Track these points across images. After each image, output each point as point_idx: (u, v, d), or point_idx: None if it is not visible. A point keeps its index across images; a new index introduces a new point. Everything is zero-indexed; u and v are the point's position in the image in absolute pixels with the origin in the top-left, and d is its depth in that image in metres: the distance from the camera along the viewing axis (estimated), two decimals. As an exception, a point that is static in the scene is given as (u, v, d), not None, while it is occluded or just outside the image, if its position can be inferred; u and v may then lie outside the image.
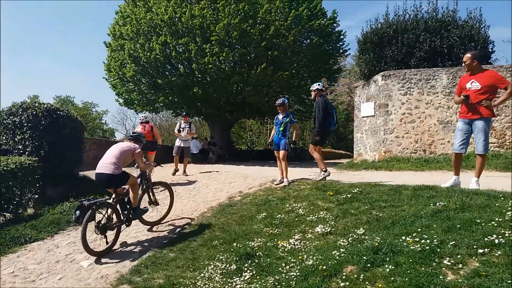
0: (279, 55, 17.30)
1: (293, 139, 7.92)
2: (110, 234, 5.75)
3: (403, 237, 3.65)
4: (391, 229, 4.08)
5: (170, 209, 6.97)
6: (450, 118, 11.07)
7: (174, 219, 6.83)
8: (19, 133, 8.75)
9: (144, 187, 6.56)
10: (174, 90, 17.79)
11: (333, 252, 3.81)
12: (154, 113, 27.53)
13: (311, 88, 7.92)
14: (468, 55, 5.57)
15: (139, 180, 6.46)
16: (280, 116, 7.90)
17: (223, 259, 4.51)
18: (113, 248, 5.70)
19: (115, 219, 5.87)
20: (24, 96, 67.41)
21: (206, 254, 4.92)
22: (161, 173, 11.03)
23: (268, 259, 4.26)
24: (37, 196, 8.40)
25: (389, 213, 4.69)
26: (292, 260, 4.07)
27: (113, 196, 5.93)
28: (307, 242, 4.58)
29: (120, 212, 5.97)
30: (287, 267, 3.93)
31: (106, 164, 5.69)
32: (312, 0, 18.65)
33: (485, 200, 4.22)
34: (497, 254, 2.98)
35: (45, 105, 9.22)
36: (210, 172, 11.17)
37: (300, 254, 4.20)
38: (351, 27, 58.48)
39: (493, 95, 5.42)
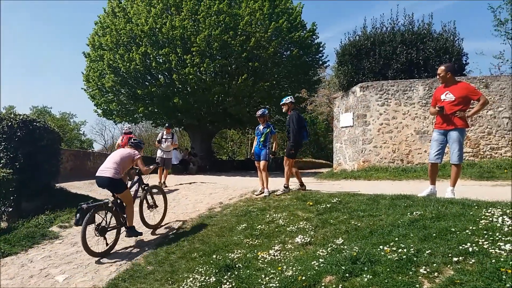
0: (259, 66, 17.45)
1: (273, 149, 7.92)
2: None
3: (381, 247, 3.69)
4: (369, 239, 4.12)
5: (165, 212, 7.25)
6: (426, 128, 11.33)
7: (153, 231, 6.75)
8: (-7, 144, 8.53)
9: (142, 191, 6.86)
10: (154, 100, 17.68)
11: (313, 263, 3.82)
12: (133, 124, 27.23)
13: (282, 101, 7.77)
14: (442, 67, 5.73)
15: (135, 187, 6.68)
16: (261, 127, 7.93)
17: (202, 272, 4.46)
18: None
19: (114, 222, 6.07)
20: (-1, 106, 65.66)
21: (185, 267, 4.85)
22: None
23: (248, 271, 4.24)
24: (11, 209, 8.18)
25: (367, 223, 4.74)
26: (272, 271, 4.05)
27: (111, 199, 6.10)
28: (287, 253, 4.58)
29: (120, 214, 6.13)
30: (267, 278, 3.92)
31: (106, 168, 5.91)
32: (292, 12, 18.95)
33: (459, 209, 4.31)
34: (471, 262, 3.04)
35: (21, 116, 9.03)
36: (190, 183, 11.08)
37: (279, 265, 4.19)
38: (330, 38, 59.60)
39: (466, 106, 5.59)
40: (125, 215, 6.13)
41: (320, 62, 20.90)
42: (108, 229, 5.90)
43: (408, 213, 4.58)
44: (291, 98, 7.80)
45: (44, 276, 5.30)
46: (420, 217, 4.32)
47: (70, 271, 5.36)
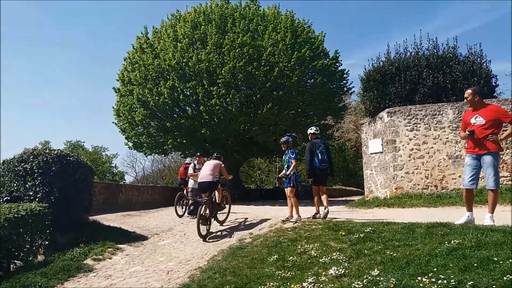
0: (284, 95, 17.63)
1: (283, 174, 8.01)
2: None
3: (419, 278, 3.56)
4: (406, 269, 3.98)
5: (229, 211, 9.50)
6: (459, 152, 11.02)
7: (185, 263, 6.74)
8: (30, 179, 8.84)
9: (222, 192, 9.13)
10: (182, 132, 18.06)
11: (348, 295, 3.72)
12: (163, 155, 27.71)
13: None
14: (469, 91, 5.61)
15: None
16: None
17: (236, 305, 4.40)
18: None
19: (208, 214, 8.28)
20: (35, 142, 68.60)
21: (218, 300, 4.80)
22: (171, 215, 11.00)
23: (282, 304, 4.15)
24: (47, 242, 8.37)
25: (403, 253, 4.60)
26: (306, 304, 3.96)
27: (206, 198, 8.34)
28: (321, 285, 4.46)
29: (211, 210, 8.38)
30: (302, 312, 3.82)
31: (206, 175, 8.51)
32: (314, 41, 19.20)
33: (501, 237, 4.13)
34: (517, 294, 2.89)
35: (56, 151, 9.34)
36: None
37: (314, 298, 4.09)
38: (353, 65, 59.78)
39: (498, 130, 5.41)
40: (214, 209, 8.44)
41: (345, 89, 20.92)
42: (209, 219, 8.21)
43: (446, 242, 4.41)
44: (311, 129, 8.10)
45: (79, 310, 5.35)
46: (458, 246, 4.15)
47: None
